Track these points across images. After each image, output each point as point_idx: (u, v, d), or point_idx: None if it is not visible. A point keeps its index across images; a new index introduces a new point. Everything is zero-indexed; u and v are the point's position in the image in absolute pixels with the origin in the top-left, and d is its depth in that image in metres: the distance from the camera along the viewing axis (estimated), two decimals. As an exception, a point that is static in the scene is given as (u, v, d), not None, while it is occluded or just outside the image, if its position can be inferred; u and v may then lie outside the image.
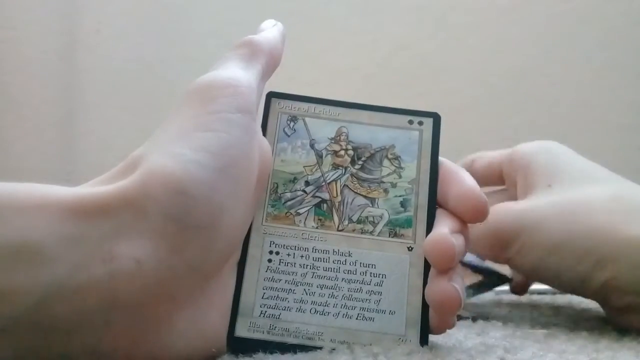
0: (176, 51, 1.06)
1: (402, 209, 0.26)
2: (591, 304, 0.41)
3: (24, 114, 1.08)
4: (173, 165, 0.22)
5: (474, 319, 0.33)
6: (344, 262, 0.26)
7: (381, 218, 0.26)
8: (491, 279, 0.41)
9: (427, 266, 0.25)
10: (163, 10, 1.08)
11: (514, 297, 0.47)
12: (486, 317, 0.34)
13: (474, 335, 0.28)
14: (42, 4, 1.08)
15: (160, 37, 1.07)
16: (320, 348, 0.24)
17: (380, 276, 0.25)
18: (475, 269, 0.40)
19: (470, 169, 0.40)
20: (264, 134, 0.27)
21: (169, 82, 1.04)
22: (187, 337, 0.22)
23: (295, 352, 0.24)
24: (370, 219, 0.26)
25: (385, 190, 0.27)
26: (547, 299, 0.46)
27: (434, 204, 0.27)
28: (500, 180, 0.40)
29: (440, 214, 0.26)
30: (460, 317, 0.32)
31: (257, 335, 0.24)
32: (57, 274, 0.19)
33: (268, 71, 0.27)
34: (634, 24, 0.94)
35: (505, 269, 0.42)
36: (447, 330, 0.29)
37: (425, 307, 0.25)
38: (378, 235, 0.26)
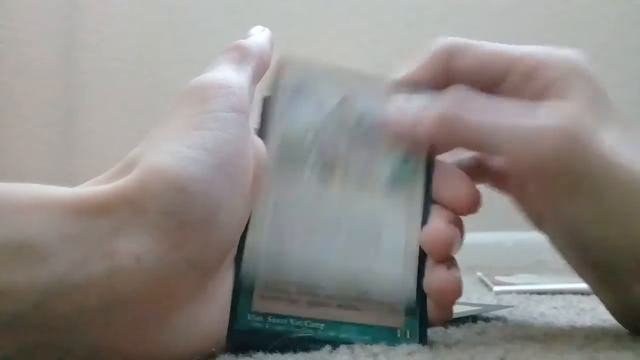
0: (176, 51, 1.06)
1: (405, 164, 0.27)
2: (591, 304, 0.41)
3: (24, 114, 1.08)
4: (171, 162, 0.22)
5: (474, 320, 0.33)
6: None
7: (383, 173, 0.27)
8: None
9: (422, 260, 0.26)
10: (163, 10, 1.08)
11: (514, 298, 0.47)
12: (486, 317, 0.34)
13: (474, 335, 0.29)
14: (42, 4, 1.08)
15: (160, 37, 1.07)
16: (320, 341, 0.24)
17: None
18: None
19: (453, 61, 0.29)
20: (261, 134, 0.27)
21: (169, 82, 1.04)
22: (186, 334, 0.23)
23: (295, 352, 0.24)
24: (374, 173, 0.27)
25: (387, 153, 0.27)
26: (547, 299, 0.46)
27: (430, 200, 0.27)
28: (493, 82, 0.29)
29: (434, 208, 0.27)
30: (462, 321, 0.32)
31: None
32: (56, 272, 0.19)
33: (258, 74, 0.28)
34: (634, 24, 0.95)
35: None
36: (447, 331, 0.29)
37: (422, 302, 0.25)
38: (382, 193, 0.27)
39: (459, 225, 0.27)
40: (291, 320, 0.25)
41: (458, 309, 0.33)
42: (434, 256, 0.25)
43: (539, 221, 0.31)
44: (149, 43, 1.08)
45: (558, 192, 0.25)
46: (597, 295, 0.30)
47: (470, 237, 0.27)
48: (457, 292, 0.25)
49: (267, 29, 0.30)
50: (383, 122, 0.28)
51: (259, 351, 0.24)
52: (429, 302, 0.25)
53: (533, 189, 0.27)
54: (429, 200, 0.27)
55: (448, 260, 0.26)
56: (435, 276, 0.25)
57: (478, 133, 0.26)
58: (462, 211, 0.27)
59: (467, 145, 0.27)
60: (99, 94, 1.07)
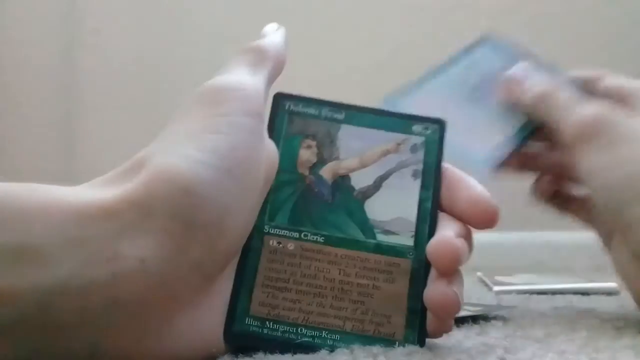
0: (176, 51, 1.06)
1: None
2: (591, 304, 0.41)
3: (24, 114, 1.08)
4: (180, 165, 0.22)
5: (474, 320, 0.33)
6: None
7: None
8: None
9: (426, 271, 0.25)
10: (163, 10, 1.08)
11: (514, 298, 0.47)
12: (486, 317, 0.34)
13: (474, 335, 0.29)
14: (42, 4, 1.08)
15: (160, 37, 1.07)
16: (318, 348, 0.24)
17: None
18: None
19: (594, 86, 0.39)
20: (270, 134, 0.27)
21: (169, 82, 1.04)
22: (188, 337, 0.23)
23: (295, 352, 0.24)
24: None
25: None
26: (547, 299, 0.46)
27: (437, 210, 0.27)
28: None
29: (443, 219, 0.26)
30: (462, 321, 0.32)
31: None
32: (59, 275, 0.19)
33: (274, 76, 0.27)
34: (634, 24, 0.94)
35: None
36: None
37: (423, 311, 0.25)
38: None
39: (468, 238, 0.26)
40: (289, 326, 0.25)
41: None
42: (439, 269, 0.24)
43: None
44: (149, 43, 1.08)
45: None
46: None
47: (470, 237, 0.27)
48: (456, 307, 0.24)
49: (282, 27, 0.29)
50: (502, 80, 0.38)
51: (259, 352, 0.24)
52: (428, 314, 0.25)
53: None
54: (435, 211, 0.27)
55: (452, 274, 0.25)
56: (436, 289, 0.24)
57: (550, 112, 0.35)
58: (477, 224, 0.26)
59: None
60: (99, 94, 1.07)
